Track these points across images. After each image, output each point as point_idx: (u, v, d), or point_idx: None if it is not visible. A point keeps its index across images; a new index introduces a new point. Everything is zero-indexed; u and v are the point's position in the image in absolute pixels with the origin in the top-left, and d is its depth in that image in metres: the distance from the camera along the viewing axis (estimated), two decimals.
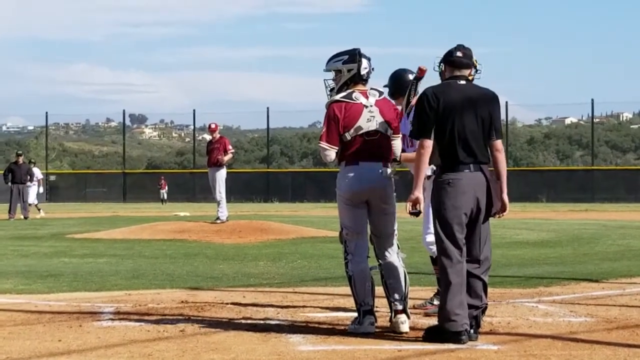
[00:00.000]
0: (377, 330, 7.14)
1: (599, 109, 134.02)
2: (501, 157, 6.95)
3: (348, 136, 7.14)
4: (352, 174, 7.17)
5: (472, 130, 6.80)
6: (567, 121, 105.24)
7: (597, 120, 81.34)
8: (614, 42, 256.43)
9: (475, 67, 7.13)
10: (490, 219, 7.03)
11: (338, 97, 7.20)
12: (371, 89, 7.31)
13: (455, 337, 6.57)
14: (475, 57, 7.12)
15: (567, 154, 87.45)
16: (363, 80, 7.26)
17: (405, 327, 6.98)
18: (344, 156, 7.22)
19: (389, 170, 7.20)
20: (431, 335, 6.72)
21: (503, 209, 6.99)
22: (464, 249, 6.81)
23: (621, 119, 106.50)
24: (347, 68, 7.26)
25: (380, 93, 7.33)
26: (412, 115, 7.53)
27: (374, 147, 7.14)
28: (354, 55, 7.25)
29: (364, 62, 7.25)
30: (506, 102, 53.44)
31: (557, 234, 20.01)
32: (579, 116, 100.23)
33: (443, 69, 7.07)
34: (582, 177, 53.08)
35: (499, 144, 6.94)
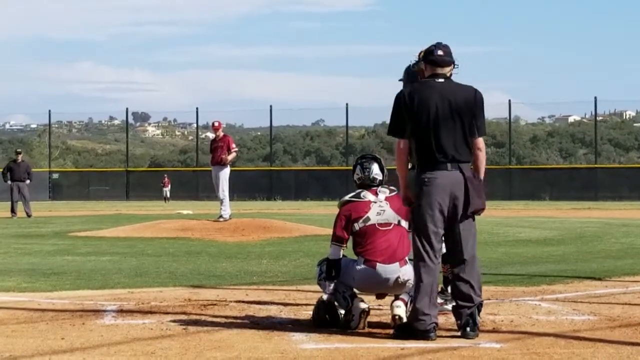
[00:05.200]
0: (379, 329, 7.15)
1: (602, 107, 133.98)
2: (481, 156, 6.92)
3: (357, 226, 7.32)
4: (366, 275, 7.30)
5: (449, 129, 6.78)
6: (570, 119, 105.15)
7: (600, 118, 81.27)
8: (617, 40, 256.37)
9: (454, 63, 7.09)
10: (477, 217, 6.99)
11: (347, 197, 7.51)
12: (382, 186, 7.52)
13: (423, 335, 6.66)
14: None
15: (570, 152, 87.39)
16: (374, 184, 7.54)
17: (398, 311, 6.97)
18: (360, 252, 7.37)
19: (403, 275, 7.28)
20: (401, 331, 6.78)
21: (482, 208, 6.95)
22: (439, 249, 6.82)
23: (624, 117, 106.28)
24: (357, 176, 7.62)
25: (392, 190, 7.46)
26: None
27: (389, 243, 7.26)
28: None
29: (374, 167, 7.58)
30: (509, 101, 53.50)
31: (560, 232, 20.00)
32: (582, 114, 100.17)
33: (424, 67, 7.07)
34: (585, 175, 53.11)
35: (480, 142, 6.93)
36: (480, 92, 6.97)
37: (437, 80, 6.90)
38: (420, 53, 7.53)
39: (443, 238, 6.90)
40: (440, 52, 6.92)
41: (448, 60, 6.95)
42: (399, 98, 6.89)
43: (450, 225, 6.82)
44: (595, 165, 55.16)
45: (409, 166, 7.04)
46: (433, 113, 6.77)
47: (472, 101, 6.90)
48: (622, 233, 19.59)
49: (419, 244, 6.77)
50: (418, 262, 6.78)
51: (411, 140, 6.85)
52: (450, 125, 6.79)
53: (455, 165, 6.79)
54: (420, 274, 6.74)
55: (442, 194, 6.75)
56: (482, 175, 6.93)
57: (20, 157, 30.22)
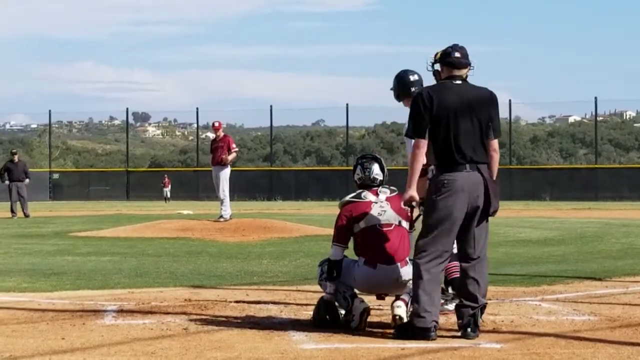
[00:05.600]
0: (380, 329, 7.15)
1: (602, 107, 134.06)
2: (496, 157, 6.97)
3: (358, 227, 7.30)
4: (366, 275, 7.28)
5: (467, 130, 6.80)
6: (571, 119, 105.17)
7: (601, 118, 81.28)
8: (617, 40, 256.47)
9: (470, 64, 7.13)
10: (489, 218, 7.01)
11: (348, 198, 7.46)
12: (383, 187, 7.49)
13: (423, 333, 6.65)
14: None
15: (570, 152, 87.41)
16: (374, 184, 7.51)
17: (399, 311, 6.97)
18: (360, 252, 7.37)
19: (404, 275, 7.24)
20: (402, 331, 6.77)
21: None
22: (448, 251, 6.83)
23: (624, 117, 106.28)
24: (357, 177, 7.59)
25: (392, 190, 7.45)
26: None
27: (389, 244, 7.25)
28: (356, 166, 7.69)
29: (375, 167, 7.55)
30: (509, 101, 53.44)
31: (560, 232, 20.00)
32: (582, 114, 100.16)
33: (440, 69, 7.10)
34: (586, 176, 53.09)
35: (495, 143, 6.97)
36: (495, 94, 7.01)
37: (454, 82, 6.92)
38: (436, 55, 7.56)
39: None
40: (457, 54, 6.96)
41: (465, 62, 6.98)
42: (417, 99, 6.91)
43: (465, 225, 6.82)
44: (596, 166, 55.15)
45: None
46: (452, 114, 6.79)
47: (489, 103, 6.94)
48: (622, 233, 19.59)
49: (429, 243, 6.75)
50: (422, 260, 6.75)
51: (428, 142, 6.86)
52: (469, 126, 6.81)
53: (473, 167, 6.80)
54: (422, 272, 6.72)
55: (462, 195, 6.75)
56: (495, 177, 6.95)
57: (16, 157, 30.26)
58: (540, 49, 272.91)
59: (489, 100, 6.95)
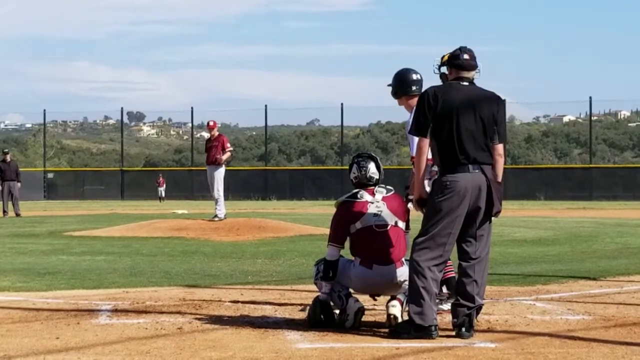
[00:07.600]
0: (374, 329, 7.15)
1: (596, 107, 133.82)
2: (501, 161, 6.98)
3: (354, 227, 7.28)
4: (362, 275, 7.27)
5: (471, 131, 6.81)
6: (565, 119, 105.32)
7: (595, 118, 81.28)
8: (612, 40, 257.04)
9: (478, 67, 7.16)
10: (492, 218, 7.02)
11: (344, 197, 7.44)
12: (379, 186, 7.46)
13: (425, 331, 6.66)
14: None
15: (565, 152, 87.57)
16: (370, 183, 7.46)
17: (393, 310, 6.99)
18: (356, 253, 7.35)
19: (399, 276, 7.23)
20: (401, 330, 6.77)
21: None
22: (447, 251, 6.83)
23: (619, 117, 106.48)
24: (353, 176, 7.53)
25: (389, 190, 7.44)
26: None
27: (385, 245, 7.23)
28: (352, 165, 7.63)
29: (371, 167, 7.50)
30: (504, 100, 53.42)
31: (555, 232, 20.01)
32: (577, 114, 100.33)
33: (448, 71, 7.11)
34: (580, 175, 53.13)
35: (500, 148, 6.97)
36: (502, 98, 7.03)
37: (462, 83, 6.94)
38: (442, 58, 7.58)
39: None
40: (466, 56, 6.98)
41: (473, 64, 7.00)
42: (423, 97, 6.93)
43: (466, 224, 6.83)
44: (590, 165, 55.15)
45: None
46: (456, 115, 6.79)
47: (495, 107, 6.96)
48: (616, 233, 19.60)
49: (428, 242, 6.76)
50: (422, 259, 6.76)
51: (432, 141, 6.87)
52: (473, 127, 6.82)
53: (477, 167, 6.81)
54: (424, 270, 6.73)
55: (464, 197, 6.75)
56: (499, 179, 6.95)
57: (8, 157, 30.29)
58: (535, 49, 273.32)
59: (493, 100, 6.96)
